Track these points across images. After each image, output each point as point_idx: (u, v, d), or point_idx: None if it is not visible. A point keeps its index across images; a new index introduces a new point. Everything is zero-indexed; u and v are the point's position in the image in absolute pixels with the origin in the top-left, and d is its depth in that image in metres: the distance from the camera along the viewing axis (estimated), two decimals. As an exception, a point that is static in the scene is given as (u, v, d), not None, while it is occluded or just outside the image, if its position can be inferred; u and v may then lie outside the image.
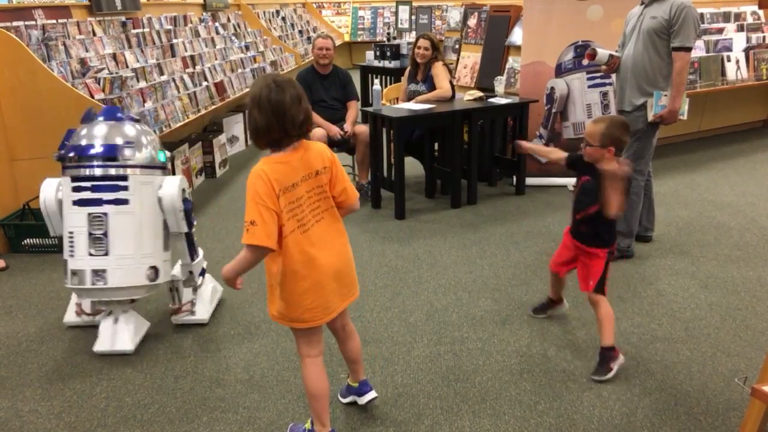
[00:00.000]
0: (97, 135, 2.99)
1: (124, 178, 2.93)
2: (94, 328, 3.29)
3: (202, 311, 3.36)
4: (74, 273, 2.93)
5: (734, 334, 3.18)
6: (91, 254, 2.91)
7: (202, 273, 3.43)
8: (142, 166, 2.98)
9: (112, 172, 2.93)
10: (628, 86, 3.91)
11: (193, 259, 3.28)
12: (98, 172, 2.92)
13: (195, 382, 2.85)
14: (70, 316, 3.33)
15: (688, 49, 3.70)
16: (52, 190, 3.05)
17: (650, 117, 3.82)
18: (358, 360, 2.55)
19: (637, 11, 3.93)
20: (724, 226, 4.62)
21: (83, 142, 2.99)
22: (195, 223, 3.27)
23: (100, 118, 3.09)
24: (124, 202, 2.92)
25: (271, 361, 3.00)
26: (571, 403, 2.64)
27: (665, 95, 3.78)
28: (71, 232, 2.93)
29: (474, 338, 3.17)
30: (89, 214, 2.90)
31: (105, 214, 2.90)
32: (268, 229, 2.03)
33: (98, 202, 2.91)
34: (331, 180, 2.21)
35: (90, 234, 2.90)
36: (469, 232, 4.60)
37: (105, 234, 2.90)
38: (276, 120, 2.04)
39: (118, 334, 3.10)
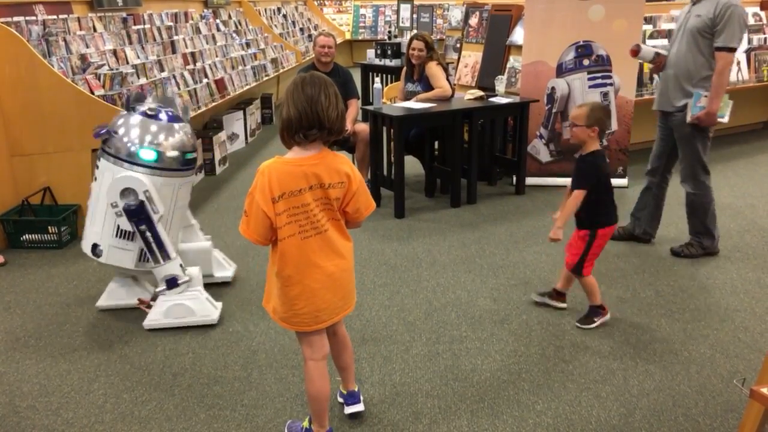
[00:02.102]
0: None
1: (99, 159, 3.27)
2: (95, 326, 3.29)
3: (149, 317, 3.28)
4: None
5: (733, 335, 3.17)
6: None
7: (171, 285, 3.24)
8: (112, 155, 3.18)
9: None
10: (670, 86, 3.87)
11: (155, 262, 3.22)
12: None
13: (193, 379, 2.85)
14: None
15: (732, 50, 3.62)
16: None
17: (688, 118, 3.75)
18: (348, 368, 2.54)
19: (685, 9, 3.87)
20: (723, 228, 4.61)
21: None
22: (147, 228, 3.16)
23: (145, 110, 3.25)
24: (95, 179, 3.30)
25: (270, 359, 2.99)
26: (570, 404, 2.64)
27: (705, 96, 3.69)
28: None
29: (473, 337, 3.17)
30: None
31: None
32: (254, 224, 2.08)
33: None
34: (346, 197, 2.16)
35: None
36: (469, 232, 4.60)
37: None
38: (310, 115, 2.01)
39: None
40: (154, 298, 3.35)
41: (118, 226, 3.19)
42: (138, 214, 3.13)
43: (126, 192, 3.12)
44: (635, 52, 3.89)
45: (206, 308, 3.30)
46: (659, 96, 4.03)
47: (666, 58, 3.93)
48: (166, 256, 3.22)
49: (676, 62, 3.83)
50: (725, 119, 3.75)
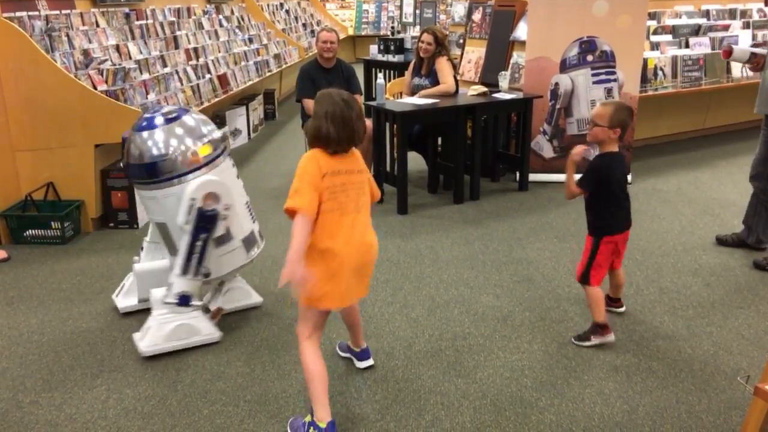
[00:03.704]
0: None
1: None
2: (98, 322, 3.29)
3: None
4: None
5: (737, 332, 3.17)
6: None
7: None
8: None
9: None
10: None
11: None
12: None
13: (196, 374, 2.85)
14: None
15: None
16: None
17: None
18: (358, 325, 2.80)
19: None
20: (727, 224, 4.60)
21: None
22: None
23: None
24: None
25: (273, 355, 2.99)
26: (573, 400, 2.64)
27: None
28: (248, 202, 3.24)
29: (476, 334, 3.16)
30: None
31: None
32: (307, 197, 2.26)
33: None
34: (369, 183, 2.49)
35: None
36: (472, 228, 4.59)
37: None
38: (345, 132, 2.33)
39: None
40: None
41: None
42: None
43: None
44: (727, 53, 3.69)
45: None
46: (760, 97, 3.80)
47: (765, 57, 3.73)
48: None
49: None
50: None
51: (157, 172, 2.92)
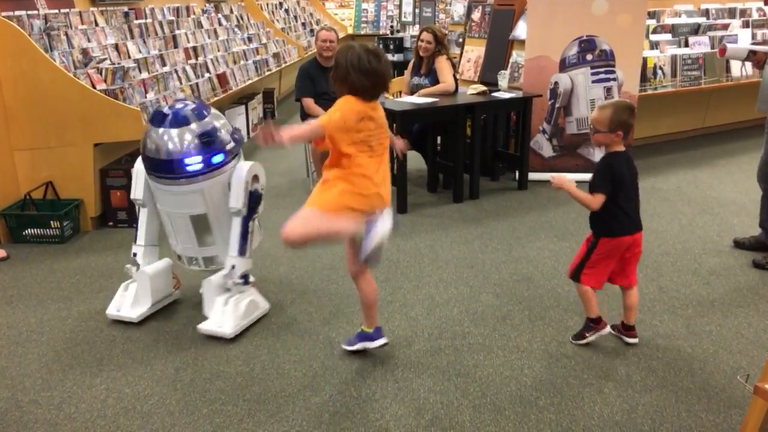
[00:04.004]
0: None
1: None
2: (97, 321, 3.29)
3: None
4: None
5: (736, 331, 3.16)
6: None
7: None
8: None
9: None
10: None
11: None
12: None
13: (195, 374, 2.85)
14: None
15: None
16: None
17: None
18: (373, 305, 2.89)
19: None
20: (726, 223, 4.60)
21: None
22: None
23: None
24: None
25: (272, 354, 2.99)
26: (572, 399, 2.64)
27: None
28: None
29: (475, 333, 3.16)
30: None
31: None
32: (335, 119, 2.54)
33: None
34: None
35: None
36: (471, 227, 4.59)
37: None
38: (378, 81, 2.58)
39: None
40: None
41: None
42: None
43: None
44: (723, 51, 3.67)
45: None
46: (761, 95, 3.77)
47: (767, 55, 3.68)
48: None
49: None
50: None
51: (217, 162, 3.08)
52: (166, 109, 3.08)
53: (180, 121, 3.01)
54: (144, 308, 3.28)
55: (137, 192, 3.28)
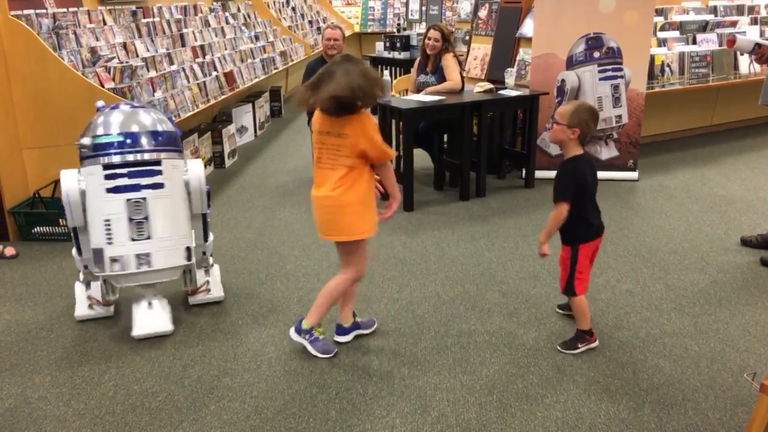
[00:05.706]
0: (122, 122, 3.02)
1: (158, 162, 3.01)
2: (105, 318, 3.32)
3: (218, 290, 3.54)
4: (115, 260, 2.98)
5: (743, 329, 3.16)
6: (133, 239, 2.97)
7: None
8: (170, 150, 3.08)
9: (147, 157, 2.98)
10: None
11: (206, 240, 3.43)
12: (132, 157, 2.96)
13: (203, 371, 2.86)
14: (82, 311, 3.33)
15: None
16: (74, 181, 3.02)
17: None
18: (351, 300, 3.11)
19: None
20: (734, 221, 4.58)
21: (117, 131, 2.99)
22: (210, 204, 3.36)
23: (114, 108, 3.12)
24: (161, 186, 3.01)
25: (279, 351, 3.00)
26: (579, 397, 2.64)
27: None
28: (107, 220, 2.96)
29: (481, 331, 3.17)
30: (128, 200, 2.95)
31: (144, 198, 2.96)
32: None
33: (136, 188, 2.96)
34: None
35: (131, 219, 2.95)
36: (478, 225, 4.59)
37: (146, 218, 2.96)
38: (379, 89, 2.71)
39: (156, 317, 3.15)
40: (195, 291, 3.47)
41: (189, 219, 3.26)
42: (210, 193, 3.29)
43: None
44: (731, 42, 3.70)
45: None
46: (765, 89, 3.74)
47: None
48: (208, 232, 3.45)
49: None
50: None
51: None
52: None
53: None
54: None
55: None
